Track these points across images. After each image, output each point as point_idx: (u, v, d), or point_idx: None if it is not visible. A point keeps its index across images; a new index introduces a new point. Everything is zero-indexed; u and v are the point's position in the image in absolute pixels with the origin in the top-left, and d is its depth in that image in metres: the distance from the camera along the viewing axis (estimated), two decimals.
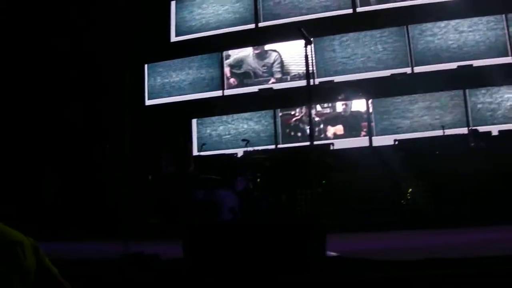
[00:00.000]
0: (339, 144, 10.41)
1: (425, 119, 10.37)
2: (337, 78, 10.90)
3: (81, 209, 8.94)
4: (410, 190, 7.94)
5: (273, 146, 11.15)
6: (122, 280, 4.05)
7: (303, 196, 8.26)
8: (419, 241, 6.08)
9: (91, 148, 9.77)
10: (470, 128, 9.60)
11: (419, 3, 10.57)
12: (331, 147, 10.18)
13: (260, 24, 11.62)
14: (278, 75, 11.41)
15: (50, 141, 10.48)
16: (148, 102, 12.23)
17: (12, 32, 10.83)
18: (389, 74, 10.59)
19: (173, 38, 12.27)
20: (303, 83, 8.81)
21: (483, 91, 10.18)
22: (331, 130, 10.98)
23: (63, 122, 10.87)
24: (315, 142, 7.03)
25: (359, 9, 10.97)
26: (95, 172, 9.45)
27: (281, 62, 11.43)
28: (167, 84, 12.19)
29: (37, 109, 10.87)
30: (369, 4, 10.94)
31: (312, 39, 5.52)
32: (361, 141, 10.69)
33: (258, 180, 8.20)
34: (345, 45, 11.03)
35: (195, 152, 10.58)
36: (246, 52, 11.78)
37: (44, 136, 10.58)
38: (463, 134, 9.19)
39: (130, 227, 5.30)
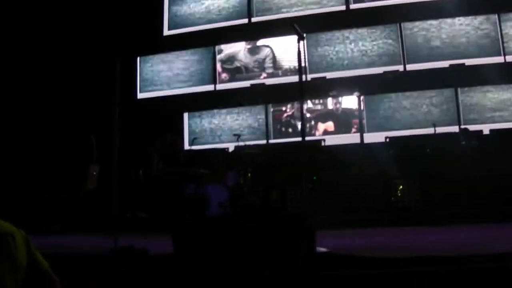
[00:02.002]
0: (330, 141, 10.41)
1: (416, 116, 10.40)
2: (329, 75, 10.91)
3: (68, 202, 8.86)
4: (401, 187, 7.96)
5: (264, 141, 11.14)
6: (112, 274, 4.03)
7: (293, 192, 8.26)
8: (409, 238, 6.10)
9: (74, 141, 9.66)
10: (461, 126, 9.64)
11: (412, 1, 10.57)
12: (322, 143, 10.17)
13: (253, 19, 11.59)
14: (270, 71, 11.39)
15: (36, 135, 10.33)
16: (139, 96, 12.16)
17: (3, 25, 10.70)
18: (381, 72, 10.61)
19: (166, 32, 12.20)
20: (295, 79, 8.79)
21: (474, 90, 10.22)
22: (322, 127, 10.98)
23: (49, 114, 10.73)
24: (307, 138, 7.02)
25: (352, 6, 10.97)
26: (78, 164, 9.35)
27: (273, 58, 11.40)
28: (159, 78, 12.11)
29: (18, 102, 10.71)
30: (363, 1, 10.93)
31: (305, 35, 5.52)
32: (352, 138, 10.70)
33: (249, 175, 8.20)
34: (338, 42, 11.01)
35: (186, 146, 10.57)
36: (239, 47, 11.73)
37: (29, 130, 10.43)
38: (454, 133, 9.24)
39: (120, 222, 5.28)
